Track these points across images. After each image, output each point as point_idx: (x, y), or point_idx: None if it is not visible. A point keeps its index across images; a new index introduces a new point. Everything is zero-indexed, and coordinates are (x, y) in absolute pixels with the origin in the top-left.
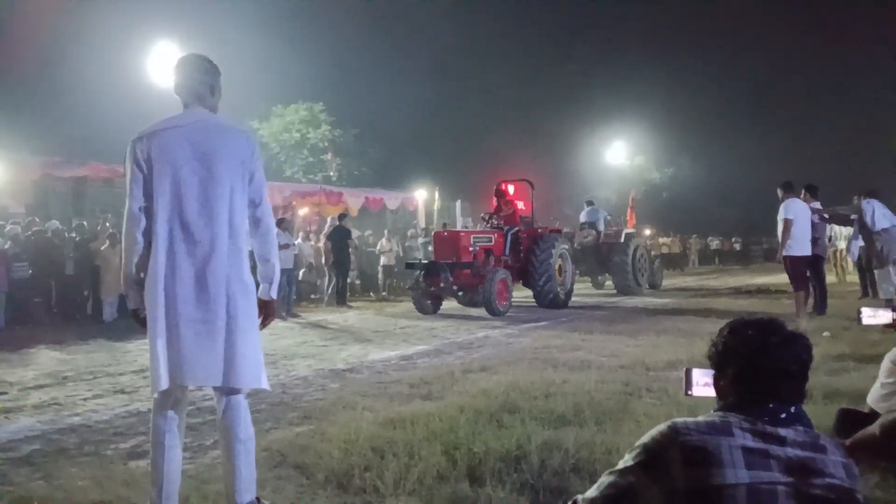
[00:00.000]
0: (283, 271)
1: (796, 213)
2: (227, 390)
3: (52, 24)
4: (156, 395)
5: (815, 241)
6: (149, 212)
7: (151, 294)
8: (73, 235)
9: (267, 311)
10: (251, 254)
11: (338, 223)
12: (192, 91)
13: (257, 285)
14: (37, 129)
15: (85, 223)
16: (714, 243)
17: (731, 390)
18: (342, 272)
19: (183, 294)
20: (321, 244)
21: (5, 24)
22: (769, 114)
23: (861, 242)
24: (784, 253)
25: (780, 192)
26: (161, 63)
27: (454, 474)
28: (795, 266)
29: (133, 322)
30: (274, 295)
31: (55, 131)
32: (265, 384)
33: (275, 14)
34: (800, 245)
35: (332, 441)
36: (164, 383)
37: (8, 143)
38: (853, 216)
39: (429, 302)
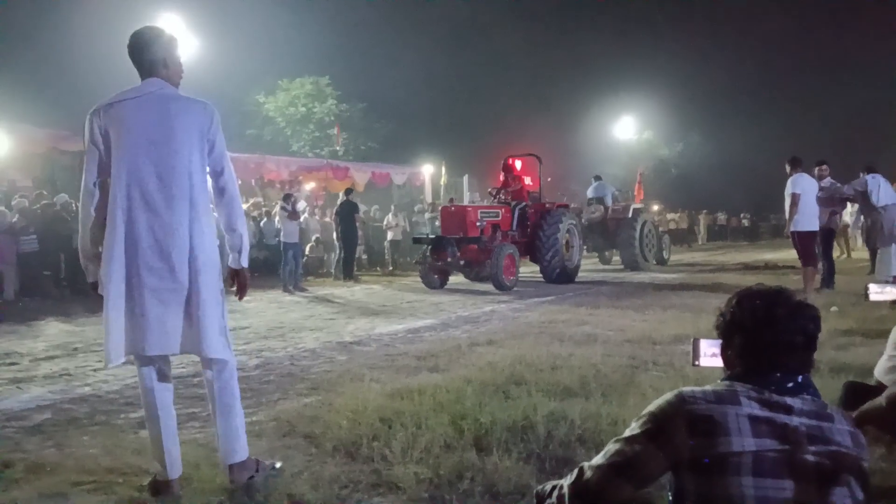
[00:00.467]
0: (289, 245)
1: (804, 188)
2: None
3: None
4: (138, 368)
5: (831, 214)
6: (104, 186)
7: (109, 266)
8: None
9: (240, 280)
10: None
11: (345, 199)
12: (147, 63)
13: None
14: (44, 101)
15: None
16: (721, 219)
17: (739, 360)
18: (349, 246)
19: (145, 265)
20: (328, 219)
21: None
22: (780, 90)
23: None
24: (791, 228)
25: (788, 168)
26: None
27: (461, 444)
28: (803, 241)
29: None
30: (244, 263)
31: (62, 104)
32: (228, 355)
33: None
34: (807, 220)
35: (339, 411)
36: (118, 357)
37: (15, 115)
38: (849, 192)
39: (435, 277)
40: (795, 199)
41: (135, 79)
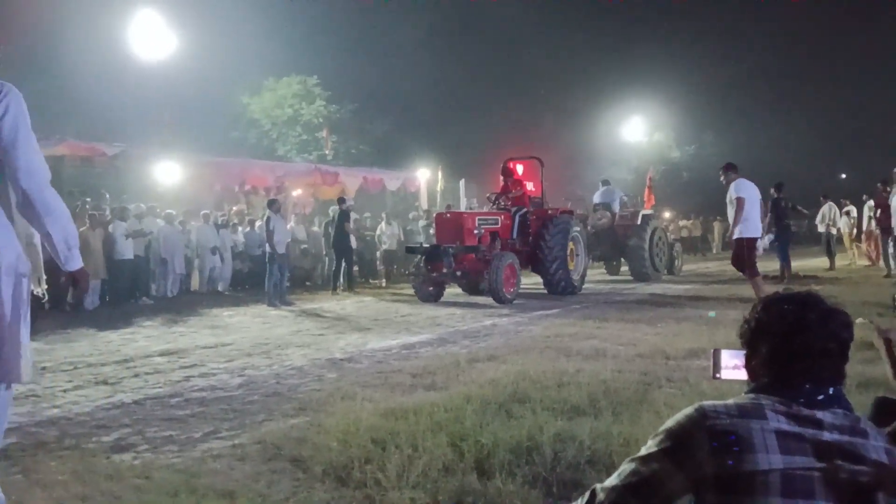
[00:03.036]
0: (275, 256)
1: (749, 193)
2: None
3: None
4: None
5: None
6: None
7: None
8: None
9: (76, 281)
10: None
11: (338, 208)
12: None
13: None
14: None
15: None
16: None
17: (765, 370)
18: (340, 258)
19: None
20: (316, 228)
21: None
22: (801, 89)
23: None
24: (738, 235)
25: (722, 175)
26: (144, 33)
27: (461, 466)
28: (751, 248)
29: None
30: (75, 264)
31: (31, 106)
32: (27, 377)
33: None
34: (753, 226)
35: (329, 433)
36: None
37: None
38: None
39: (430, 289)
40: (742, 203)
41: (105, 75)
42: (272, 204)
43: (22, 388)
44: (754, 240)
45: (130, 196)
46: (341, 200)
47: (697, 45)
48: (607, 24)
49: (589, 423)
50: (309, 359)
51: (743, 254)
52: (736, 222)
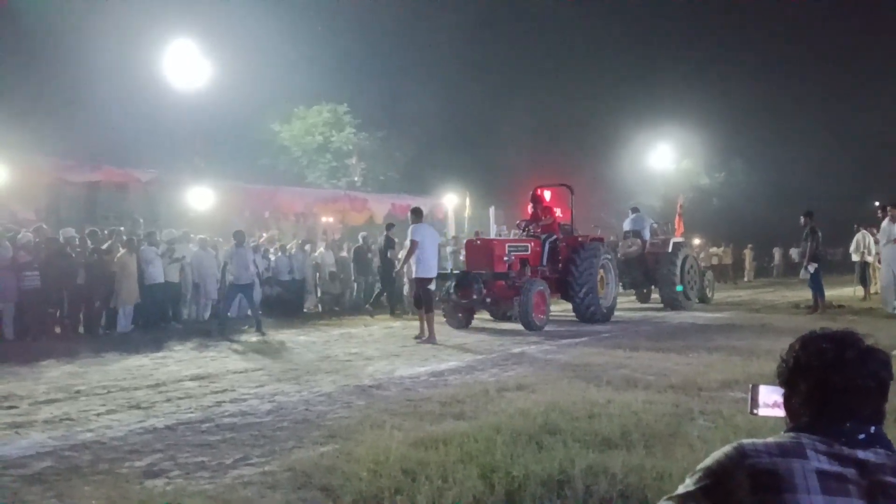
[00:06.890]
0: (234, 286)
1: (423, 237)
2: None
3: (67, 20)
4: None
5: None
6: None
7: None
8: (88, 243)
9: None
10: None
11: (386, 234)
12: None
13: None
14: (49, 130)
15: (98, 230)
16: (776, 255)
17: (804, 409)
18: (384, 283)
19: None
20: (344, 253)
21: (19, 21)
22: (832, 115)
23: None
24: (415, 275)
25: (411, 218)
26: (179, 62)
27: (491, 499)
28: (426, 287)
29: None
30: None
31: (68, 133)
32: None
33: (297, 10)
34: (426, 267)
35: (359, 462)
36: None
37: (19, 144)
38: None
39: (459, 315)
40: (414, 246)
41: (141, 102)
42: (235, 235)
43: (57, 412)
44: (429, 280)
45: (163, 222)
46: (389, 226)
47: (726, 72)
48: (635, 51)
49: (621, 456)
50: (338, 385)
51: (422, 292)
52: (406, 261)
